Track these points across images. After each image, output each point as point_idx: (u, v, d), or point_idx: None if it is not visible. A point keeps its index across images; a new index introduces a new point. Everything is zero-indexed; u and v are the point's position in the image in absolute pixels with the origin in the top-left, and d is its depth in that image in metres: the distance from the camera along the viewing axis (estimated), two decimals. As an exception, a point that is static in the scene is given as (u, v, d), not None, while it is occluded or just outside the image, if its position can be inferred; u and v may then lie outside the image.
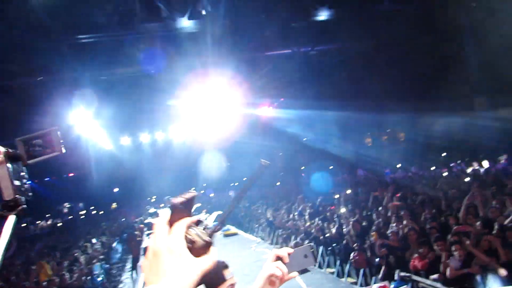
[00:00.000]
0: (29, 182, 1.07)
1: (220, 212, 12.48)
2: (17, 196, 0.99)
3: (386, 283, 4.51)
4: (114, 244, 15.85)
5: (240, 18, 11.39)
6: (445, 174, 12.74)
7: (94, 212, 31.20)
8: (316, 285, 5.17)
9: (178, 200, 0.91)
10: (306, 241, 9.78)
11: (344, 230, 8.57)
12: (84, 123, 15.06)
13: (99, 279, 11.16)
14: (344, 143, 25.65)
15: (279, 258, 1.48)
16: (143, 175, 28.12)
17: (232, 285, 1.73)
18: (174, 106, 16.42)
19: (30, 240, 16.01)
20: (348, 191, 12.36)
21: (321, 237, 9.37)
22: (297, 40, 13.40)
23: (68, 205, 33.94)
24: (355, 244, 7.52)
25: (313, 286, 5.16)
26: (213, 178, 31.88)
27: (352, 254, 7.20)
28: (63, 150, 1.11)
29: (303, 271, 5.89)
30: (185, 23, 11.28)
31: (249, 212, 16.10)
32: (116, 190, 33.56)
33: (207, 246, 0.93)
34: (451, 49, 14.67)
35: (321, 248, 9.30)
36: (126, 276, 13.68)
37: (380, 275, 6.30)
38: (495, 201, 7.24)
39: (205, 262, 0.89)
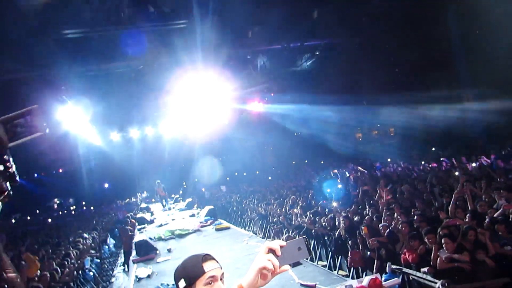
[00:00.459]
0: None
1: (211, 207, 12.46)
2: (1, 181, 0.92)
3: (377, 275, 4.57)
4: (106, 239, 15.79)
5: (229, 14, 11.31)
6: (435, 168, 12.90)
7: (84, 207, 30.97)
8: (308, 277, 5.21)
9: None
10: (298, 235, 9.85)
11: (336, 223, 8.64)
12: (72, 119, 14.87)
13: (91, 273, 11.13)
14: (335, 137, 25.82)
15: (271, 251, 1.45)
16: (134, 170, 28.00)
17: (213, 277, 1.74)
18: (164, 101, 16.34)
19: (20, 236, 15.84)
20: (339, 186, 12.44)
21: (313, 230, 9.44)
22: (287, 35, 13.40)
23: (58, 201, 33.68)
24: (349, 242, 7.60)
25: (305, 278, 5.19)
26: (204, 173, 31.88)
27: (349, 255, 7.27)
28: (47, 130, 1.06)
29: (295, 264, 5.93)
30: (174, 18, 11.20)
31: (240, 206, 16.14)
32: (106, 185, 33.38)
33: None
34: (440, 43, 14.82)
35: (313, 241, 9.37)
36: (118, 271, 13.64)
37: (374, 270, 6.37)
38: (484, 195, 7.36)
39: None
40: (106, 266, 13.54)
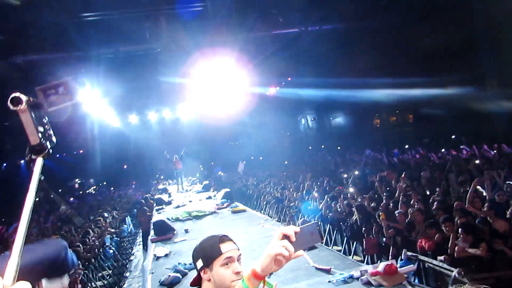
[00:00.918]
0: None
1: (228, 190, 12.59)
2: (42, 140, 1.06)
3: (393, 261, 4.57)
4: (125, 219, 16.20)
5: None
6: (454, 155, 12.65)
7: (104, 188, 31.68)
8: (323, 261, 5.25)
9: None
10: (313, 220, 9.89)
11: (352, 209, 8.64)
12: (91, 102, 15.11)
13: (111, 251, 11.48)
14: (353, 123, 25.52)
15: (285, 237, 1.46)
16: (151, 153, 28.39)
17: (230, 257, 1.79)
18: (182, 85, 16.39)
19: (44, 215, 16.35)
20: (356, 172, 12.37)
21: (329, 216, 9.46)
22: (305, 18, 13.15)
23: (79, 181, 34.51)
24: (363, 229, 7.59)
25: (320, 262, 5.24)
26: (221, 156, 32.08)
27: (364, 241, 7.27)
28: (78, 101, 1.15)
29: (310, 248, 5.97)
30: (192, 1, 11.12)
31: (257, 190, 16.25)
32: (125, 167, 33.98)
33: None
34: (462, 28, 14.34)
35: (328, 226, 9.41)
36: (137, 249, 14.02)
37: (390, 256, 6.37)
38: (505, 185, 7.20)
39: None
40: (125, 245, 13.92)
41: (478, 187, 6.98)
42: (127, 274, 11.09)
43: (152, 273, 5.79)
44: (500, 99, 14.08)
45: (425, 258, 5.74)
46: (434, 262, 5.54)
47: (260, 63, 15.27)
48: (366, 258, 7.37)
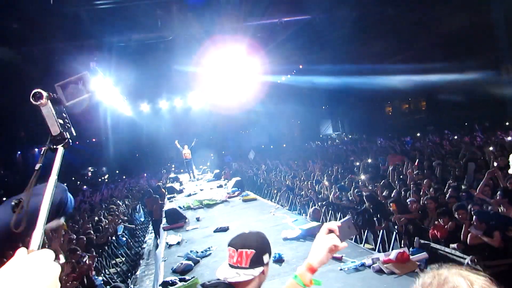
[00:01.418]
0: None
1: (238, 178, 12.63)
2: (62, 131, 1.17)
3: (405, 249, 4.56)
4: (136, 207, 16.41)
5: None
6: (468, 142, 12.47)
7: (117, 176, 32.07)
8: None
9: None
10: (324, 208, 9.89)
11: (364, 198, 8.61)
12: (104, 90, 15.21)
13: (124, 239, 11.67)
14: (364, 110, 25.25)
15: (331, 231, 1.59)
16: (163, 141, 28.58)
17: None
18: (193, 73, 16.38)
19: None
20: (369, 160, 12.28)
21: (340, 204, 9.45)
22: (316, 5, 12.96)
23: (92, 169, 35.00)
24: (375, 217, 7.57)
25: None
26: (232, 145, 32.14)
27: (376, 230, 7.25)
28: (92, 93, 1.29)
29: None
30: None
31: (268, 178, 16.28)
32: (137, 155, 34.30)
33: None
34: (479, 12, 13.99)
35: (339, 215, 9.40)
36: (149, 237, 14.23)
37: (402, 244, 6.35)
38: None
39: None
40: (138, 233, 14.14)
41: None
42: (140, 262, 11.28)
43: (165, 260, 5.86)
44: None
45: (438, 246, 5.71)
46: (447, 249, 5.51)
47: (271, 50, 15.14)
48: (377, 245, 7.36)
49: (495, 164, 7.54)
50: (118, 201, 14.65)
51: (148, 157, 33.45)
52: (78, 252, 7.17)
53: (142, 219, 15.98)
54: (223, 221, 7.55)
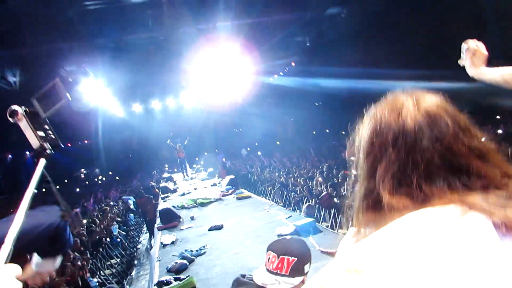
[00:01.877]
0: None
1: (232, 177, 12.65)
2: (42, 143, 1.20)
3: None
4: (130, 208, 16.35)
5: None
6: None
7: (110, 177, 31.91)
8: (328, 245, 5.31)
9: None
10: (319, 205, 9.95)
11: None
12: (95, 91, 15.12)
13: (118, 240, 11.65)
14: (356, 108, 25.31)
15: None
16: (156, 141, 28.46)
17: None
18: (185, 72, 16.33)
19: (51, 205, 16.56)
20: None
21: (334, 202, 9.50)
22: (308, 3, 12.95)
23: (84, 171, 34.78)
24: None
25: (325, 245, 5.29)
26: (225, 143, 32.09)
27: None
28: (69, 97, 1.32)
29: (315, 232, 6.04)
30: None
31: (261, 176, 16.32)
32: (130, 156, 34.13)
33: None
34: (470, 12, 14.05)
35: (333, 211, 9.45)
36: (143, 238, 14.20)
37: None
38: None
39: None
40: (132, 233, 14.10)
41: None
42: (135, 262, 11.27)
43: (159, 260, 5.86)
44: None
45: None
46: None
47: (263, 49, 15.14)
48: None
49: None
50: (111, 202, 14.58)
51: (142, 158, 33.30)
52: (71, 255, 7.14)
53: (137, 220, 15.94)
54: (217, 219, 7.56)
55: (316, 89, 24.31)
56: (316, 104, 30.69)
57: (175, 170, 22.00)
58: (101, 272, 8.94)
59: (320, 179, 10.93)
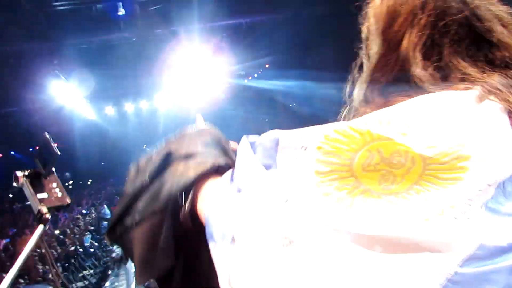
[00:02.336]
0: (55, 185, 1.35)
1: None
2: (39, 208, 1.20)
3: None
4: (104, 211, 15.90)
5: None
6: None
7: (81, 182, 30.97)
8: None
9: None
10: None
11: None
12: (66, 94, 14.66)
13: (91, 250, 11.26)
14: (332, 111, 25.62)
15: None
16: (129, 144, 27.83)
17: None
18: (159, 74, 16.04)
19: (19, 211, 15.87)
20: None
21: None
22: (285, 2, 12.91)
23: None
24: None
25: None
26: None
27: None
28: (58, 152, 1.37)
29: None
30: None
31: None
32: (102, 161, 33.24)
33: None
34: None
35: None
36: (117, 246, 13.78)
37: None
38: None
39: None
40: (106, 242, 13.69)
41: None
42: (109, 272, 10.91)
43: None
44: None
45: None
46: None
47: (238, 51, 15.04)
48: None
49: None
50: (83, 210, 14.12)
51: (115, 162, 32.50)
52: (40, 269, 6.80)
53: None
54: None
55: (291, 90, 24.46)
56: (290, 105, 30.89)
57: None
58: (73, 285, 8.58)
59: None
